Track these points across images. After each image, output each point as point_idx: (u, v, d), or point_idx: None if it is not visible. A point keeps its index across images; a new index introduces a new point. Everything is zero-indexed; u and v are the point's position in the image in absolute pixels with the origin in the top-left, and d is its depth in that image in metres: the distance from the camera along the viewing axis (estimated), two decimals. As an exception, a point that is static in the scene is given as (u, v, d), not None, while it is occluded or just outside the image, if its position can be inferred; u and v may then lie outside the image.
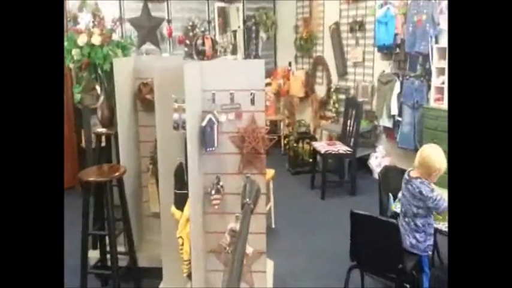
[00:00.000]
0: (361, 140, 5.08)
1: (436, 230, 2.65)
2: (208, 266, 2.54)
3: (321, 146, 4.88)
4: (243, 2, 6.55)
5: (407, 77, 4.79)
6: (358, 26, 5.47)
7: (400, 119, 4.89)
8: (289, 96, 6.42)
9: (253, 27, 6.63)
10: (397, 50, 4.90)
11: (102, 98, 3.21)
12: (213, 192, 2.42)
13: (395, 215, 2.77)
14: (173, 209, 2.51)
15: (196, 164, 2.31)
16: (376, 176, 4.83)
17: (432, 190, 2.51)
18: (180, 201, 2.44)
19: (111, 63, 3.08)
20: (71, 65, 3.60)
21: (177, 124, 2.34)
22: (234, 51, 6.51)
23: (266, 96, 5.37)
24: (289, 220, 4.13)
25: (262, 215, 2.53)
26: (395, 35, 4.82)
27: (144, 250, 3.15)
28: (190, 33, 5.89)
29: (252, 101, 2.40)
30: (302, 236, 3.85)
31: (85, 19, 4.20)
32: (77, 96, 3.95)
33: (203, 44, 5.78)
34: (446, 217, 2.63)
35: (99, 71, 3.38)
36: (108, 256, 2.82)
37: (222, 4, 6.33)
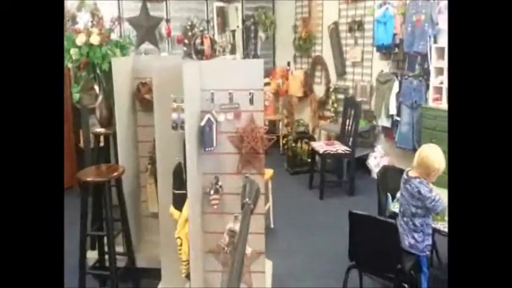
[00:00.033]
0: (359, 139, 5.08)
1: (435, 230, 2.65)
2: (206, 266, 2.54)
3: (320, 145, 4.88)
4: (242, 2, 6.55)
5: (406, 76, 4.79)
6: (357, 26, 5.47)
7: (398, 118, 4.89)
8: (288, 96, 6.42)
9: (252, 27, 6.63)
10: (396, 49, 4.91)
11: (100, 97, 3.20)
12: (211, 192, 2.42)
13: (394, 215, 2.77)
14: (172, 209, 2.50)
15: (195, 164, 2.30)
16: (374, 175, 4.83)
17: (431, 190, 2.51)
18: (179, 201, 2.44)
19: (110, 63, 3.07)
20: (70, 65, 3.59)
21: (175, 124, 2.33)
22: (232, 51, 6.50)
23: (265, 96, 5.36)
24: (288, 220, 4.13)
25: (260, 215, 2.53)
26: (394, 34, 4.82)
27: (142, 250, 3.14)
28: (189, 33, 5.88)
29: (251, 101, 2.40)
30: (301, 236, 3.85)
31: (84, 19, 4.19)
32: (76, 96, 3.94)
33: (202, 43, 5.78)
34: (445, 217, 2.64)
35: (98, 71, 3.37)
36: (107, 256, 2.82)
37: (221, 4, 6.32)
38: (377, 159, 5.21)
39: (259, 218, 2.51)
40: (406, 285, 2.47)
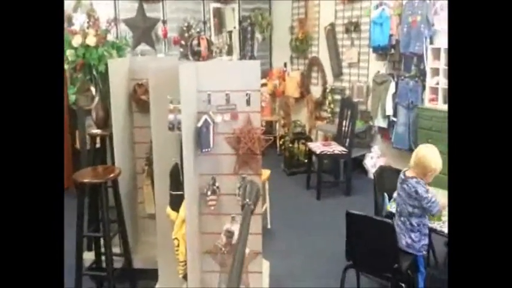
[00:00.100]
0: (356, 140, 5.09)
1: (431, 230, 2.66)
2: (204, 266, 2.54)
3: (317, 146, 4.89)
4: (239, 3, 6.55)
5: (402, 77, 4.81)
6: (353, 27, 5.49)
7: (395, 119, 4.91)
8: (285, 96, 6.42)
9: (249, 28, 6.63)
10: (392, 50, 4.92)
11: (96, 99, 3.20)
12: (208, 193, 2.42)
13: (391, 215, 2.78)
14: (169, 210, 2.50)
15: (192, 164, 2.30)
16: (371, 176, 4.85)
17: (427, 191, 2.52)
18: (176, 202, 2.44)
19: (106, 64, 3.08)
20: (66, 66, 3.59)
21: (172, 125, 2.33)
22: (229, 52, 6.51)
23: (262, 97, 5.37)
24: (285, 220, 4.13)
25: (258, 215, 2.53)
26: (390, 35, 4.84)
27: (139, 251, 3.14)
28: (186, 34, 5.88)
29: (248, 102, 2.40)
30: (298, 236, 3.85)
31: (80, 20, 4.18)
32: (72, 97, 3.93)
33: (198, 44, 5.78)
34: (441, 217, 2.65)
35: (94, 72, 3.38)
36: (103, 258, 2.81)
37: (217, 5, 6.33)
38: (373, 160, 5.22)
39: (257, 219, 2.51)
40: (403, 285, 2.47)
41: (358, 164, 5.28)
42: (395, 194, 2.79)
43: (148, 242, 3.14)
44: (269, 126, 6.50)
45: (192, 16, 6.02)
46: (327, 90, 5.95)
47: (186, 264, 2.36)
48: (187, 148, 2.23)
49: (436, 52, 4.35)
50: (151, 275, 2.78)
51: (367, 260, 2.59)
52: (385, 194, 2.96)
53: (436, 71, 4.38)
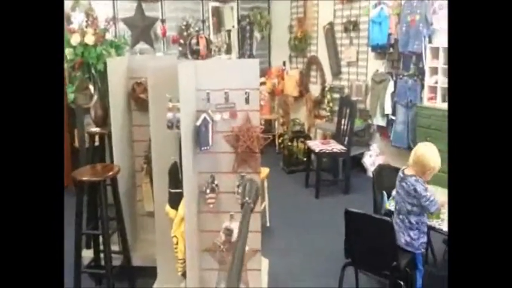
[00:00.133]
0: (355, 138, 5.10)
1: (430, 227, 2.67)
2: (202, 264, 2.54)
3: (315, 144, 4.89)
4: (238, 2, 6.55)
5: (401, 76, 4.82)
6: (352, 26, 5.49)
7: (393, 117, 4.92)
8: (284, 95, 6.43)
9: (248, 27, 6.63)
10: (391, 49, 4.93)
11: (95, 97, 3.19)
12: (207, 191, 2.42)
13: (389, 213, 2.78)
14: (167, 208, 2.50)
15: (191, 163, 2.31)
16: (370, 174, 4.86)
17: (426, 189, 2.53)
18: (175, 200, 2.44)
19: (105, 63, 3.07)
20: (64, 65, 3.58)
21: (171, 123, 2.34)
22: (228, 51, 6.51)
23: (260, 95, 5.37)
24: (284, 219, 4.14)
25: (257, 213, 2.54)
26: (389, 34, 4.85)
27: (138, 249, 3.14)
28: (185, 33, 5.88)
29: (247, 100, 2.40)
30: (297, 234, 3.86)
31: (78, 18, 4.17)
32: (70, 96, 3.93)
33: (197, 43, 5.78)
34: (440, 215, 2.66)
35: (93, 71, 3.37)
36: (102, 255, 2.81)
37: (216, 4, 6.32)
38: (372, 158, 5.23)
39: (256, 217, 2.51)
40: (401, 283, 2.48)
41: (357, 163, 5.29)
42: (394, 192, 2.79)
43: (147, 240, 3.14)
44: (268, 125, 6.51)
45: (190, 15, 6.01)
46: (326, 89, 5.96)
47: (185, 262, 2.37)
48: (186, 146, 2.23)
49: (435, 51, 4.36)
50: (150, 273, 2.78)
51: (365, 258, 2.60)
52: (384, 192, 2.97)
53: (434, 70, 4.39)
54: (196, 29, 5.96)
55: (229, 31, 6.52)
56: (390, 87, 4.92)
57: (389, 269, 2.48)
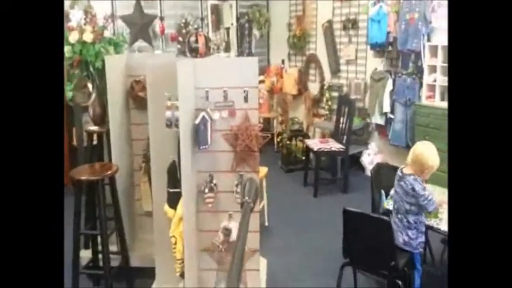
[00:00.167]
0: (353, 137, 5.10)
1: (428, 227, 2.67)
2: (201, 264, 2.53)
3: (314, 143, 4.89)
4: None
5: (400, 74, 4.81)
6: (351, 24, 5.48)
7: (392, 116, 4.91)
8: (282, 93, 6.42)
9: (247, 25, 6.61)
10: (390, 47, 4.92)
11: (93, 95, 3.17)
12: (206, 190, 2.41)
13: (388, 212, 2.78)
14: (166, 207, 2.49)
15: (190, 162, 2.30)
16: (368, 173, 4.84)
17: (424, 188, 2.53)
18: (173, 200, 2.43)
19: (103, 61, 3.05)
20: (62, 63, 3.55)
21: (170, 122, 2.32)
22: (227, 49, 6.49)
23: (259, 93, 5.36)
24: (282, 218, 4.13)
25: (255, 213, 2.53)
26: (388, 33, 4.83)
27: (136, 249, 3.13)
28: (183, 31, 5.86)
29: (246, 99, 2.39)
30: (295, 233, 3.86)
31: (76, 16, 4.14)
32: (69, 94, 3.90)
33: (196, 41, 5.74)
34: (438, 214, 2.66)
35: (91, 69, 3.35)
36: (100, 256, 2.80)
37: (215, 1, 6.30)
38: (371, 157, 5.23)
39: (254, 216, 2.51)
40: (399, 282, 2.48)
41: (355, 161, 5.29)
42: (392, 191, 2.79)
43: (146, 239, 3.13)
44: (267, 123, 6.50)
45: (189, 13, 5.99)
46: (325, 87, 5.95)
47: (183, 262, 2.36)
48: (184, 145, 2.22)
49: (434, 49, 4.35)
50: (149, 273, 2.78)
51: (364, 258, 2.60)
52: (382, 191, 2.96)
53: (433, 68, 4.38)
54: (195, 26, 5.94)
55: (228, 29, 6.49)
56: (389, 85, 4.92)
57: (388, 268, 2.48)
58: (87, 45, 3.34)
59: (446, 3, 4.24)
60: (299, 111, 6.42)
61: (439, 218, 2.65)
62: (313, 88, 6.23)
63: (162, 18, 5.79)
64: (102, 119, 3.16)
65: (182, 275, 2.41)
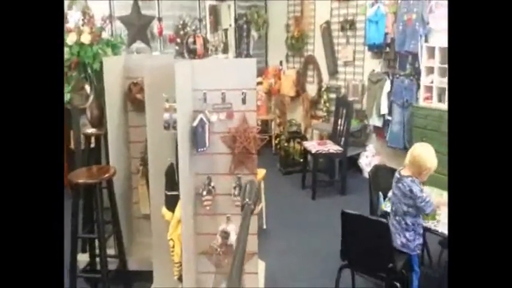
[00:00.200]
0: (351, 139, 5.10)
1: (426, 229, 2.67)
2: (199, 267, 2.53)
3: (312, 145, 4.88)
4: (235, 0, 6.52)
5: (397, 76, 4.82)
6: (348, 25, 5.48)
7: (390, 118, 4.92)
8: (280, 95, 6.41)
9: (245, 26, 6.60)
10: (387, 49, 4.93)
11: (91, 97, 3.16)
12: (204, 193, 2.40)
13: (386, 214, 2.78)
14: (164, 210, 2.48)
15: (187, 164, 2.29)
16: (366, 175, 4.86)
17: (422, 190, 2.53)
18: (171, 203, 2.42)
19: (101, 62, 3.04)
20: (60, 64, 3.54)
21: (167, 124, 2.32)
22: (225, 50, 6.48)
23: (257, 95, 5.35)
24: (281, 220, 4.13)
25: (254, 215, 2.52)
26: (386, 34, 4.84)
27: (134, 253, 3.12)
28: (181, 32, 5.85)
29: (244, 101, 2.39)
30: (293, 236, 3.85)
31: (74, 17, 4.13)
32: (66, 96, 3.88)
33: (194, 42, 5.75)
34: (436, 216, 2.66)
35: (89, 70, 3.34)
36: (98, 259, 2.79)
37: (213, 2, 6.29)
38: (368, 159, 5.23)
39: (252, 219, 2.49)
40: (397, 284, 2.48)
41: (353, 163, 5.29)
42: (390, 193, 2.79)
43: (143, 242, 3.12)
44: (265, 125, 6.49)
45: (187, 14, 5.98)
46: (323, 89, 5.95)
47: (181, 265, 2.35)
48: (182, 147, 2.22)
49: (431, 50, 4.36)
50: (146, 276, 2.76)
51: (362, 260, 2.60)
52: (380, 193, 2.97)
53: (430, 70, 4.39)
54: (193, 27, 5.93)
55: (226, 30, 6.49)
56: (386, 86, 4.92)
57: (386, 270, 2.47)
58: (85, 47, 3.33)
59: (443, 3, 4.25)
60: (297, 113, 6.42)
61: (437, 220, 2.65)
62: (311, 90, 6.23)
63: (160, 19, 5.77)
64: (99, 121, 3.15)
65: (180, 278, 2.40)
